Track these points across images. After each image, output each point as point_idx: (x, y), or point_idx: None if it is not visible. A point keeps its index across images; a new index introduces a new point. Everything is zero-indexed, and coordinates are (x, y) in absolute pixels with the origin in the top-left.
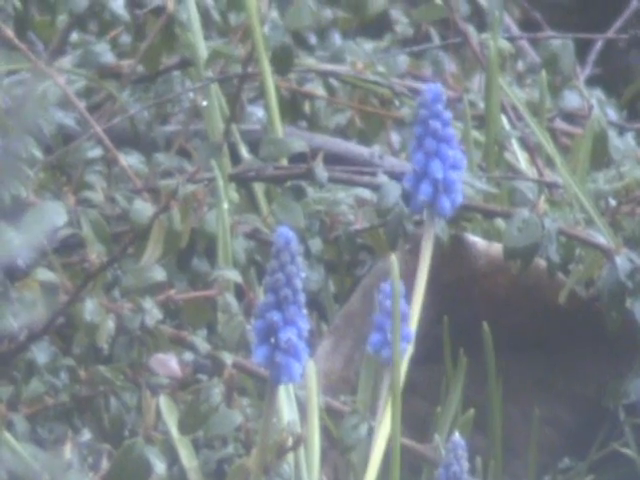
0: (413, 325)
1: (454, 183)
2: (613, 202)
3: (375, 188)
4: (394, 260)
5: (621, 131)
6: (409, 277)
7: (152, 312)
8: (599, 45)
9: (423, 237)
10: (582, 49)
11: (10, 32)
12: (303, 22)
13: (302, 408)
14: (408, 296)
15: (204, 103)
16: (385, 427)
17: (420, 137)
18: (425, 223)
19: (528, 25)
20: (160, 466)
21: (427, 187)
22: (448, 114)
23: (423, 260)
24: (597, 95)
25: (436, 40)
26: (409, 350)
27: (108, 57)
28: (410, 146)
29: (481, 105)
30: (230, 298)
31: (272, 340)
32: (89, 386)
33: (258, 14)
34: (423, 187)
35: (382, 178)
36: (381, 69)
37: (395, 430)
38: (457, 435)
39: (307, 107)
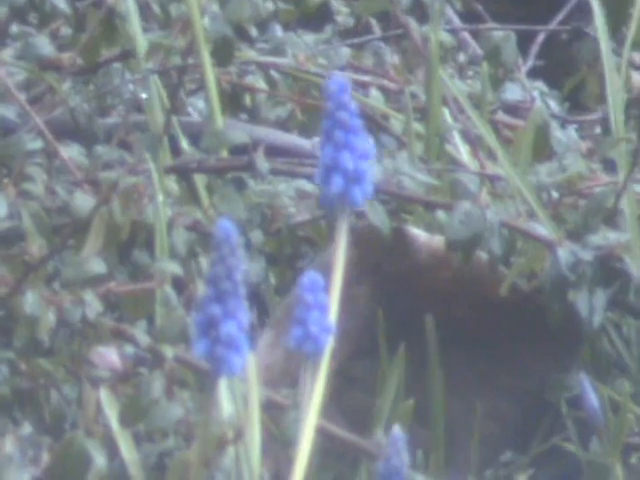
0: (332, 317)
1: (364, 173)
2: (555, 195)
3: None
4: None
5: (563, 123)
6: (350, 269)
7: (93, 305)
8: (541, 37)
9: (336, 230)
10: (524, 41)
11: None
12: (244, 14)
13: (243, 401)
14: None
15: (144, 95)
16: (312, 419)
17: (328, 130)
18: (337, 215)
19: (470, 17)
20: (100, 459)
21: (338, 179)
22: (354, 105)
23: (338, 251)
24: (539, 87)
25: (377, 32)
26: (330, 342)
27: (48, 49)
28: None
29: (423, 97)
30: (170, 291)
31: (212, 333)
32: (30, 379)
33: (198, 5)
34: (334, 179)
35: None
36: (322, 61)
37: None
38: (397, 428)
39: (248, 99)
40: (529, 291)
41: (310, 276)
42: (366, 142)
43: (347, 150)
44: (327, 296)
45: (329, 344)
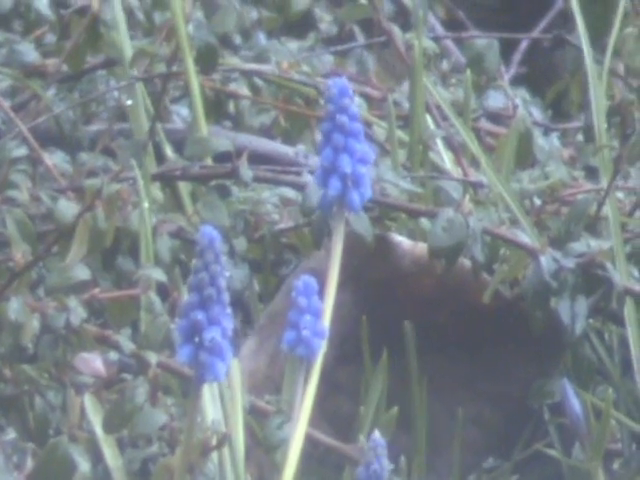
0: (326, 321)
1: (363, 177)
2: (538, 202)
3: (300, 187)
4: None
5: (546, 131)
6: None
7: (77, 311)
8: (524, 45)
9: (333, 233)
10: (507, 49)
11: None
12: (228, 25)
13: (226, 407)
14: (324, 293)
15: (129, 102)
16: (302, 425)
17: (328, 132)
18: (335, 218)
19: (453, 25)
20: (85, 465)
21: (336, 182)
22: (355, 109)
23: (334, 256)
24: (522, 95)
25: (360, 39)
26: (323, 346)
27: (33, 56)
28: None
29: (406, 105)
30: (154, 297)
31: (196, 339)
32: (14, 385)
33: (182, 13)
34: (332, 182)
35: (307, 177)
36: (306, 68)
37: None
38: (377, 434)
39: (232, 107)
40: (512, 298)
41: (304, 280)
42: (365, 146)
43: (346, 153)
44: (320, 300)
45: (321, 348)
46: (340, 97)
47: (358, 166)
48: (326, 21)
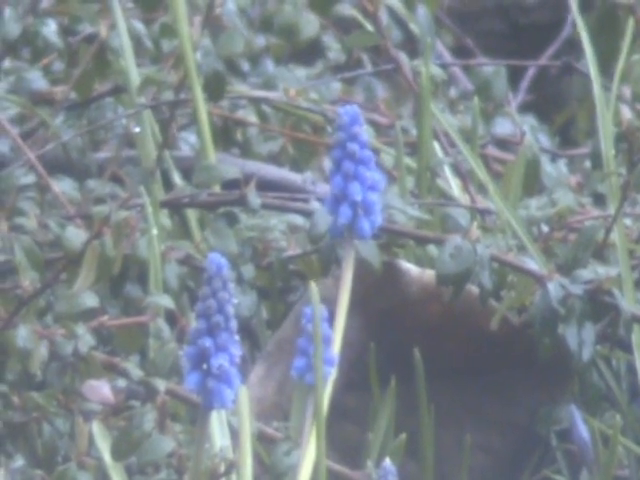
0: (336, 349)
1: (373, 205)
2: (545, 228)
3: (308, 214)
4: (314, 286)
5: (553, 158)
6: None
7: (85, 338)
8: (531, 72)
9: (343, 260)
10: (514, 76)
11: None
12: (235, 48)
13: (234, 434)
14: (333, 321)
15: (137, 129)
16: (311, 452)
17: (338, 160)
18: (345, 246)
19: (460, 52)
20: None
21: (346, 210)
22: (365, 136)
23: (344, 283)
24: (529, 122)
25: (368, 66)
26: (333, 374)
27: (41, 84)
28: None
29: (413, 132)
30: (162, 324)
31: (204, 366)
32: (22, 412)
33: (190, 41)
34: (342, 210)
35: (314, 204)
36: (313, 96)
37: (320, 455)
38: (388, 461)
39: (239, 134)
40: (519, 324)
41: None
42: (376, 174)
43: (356, 181)
44: (330, 328)
45: (331, 376)
46: (351, 125)
47: (368, 194)
48: (334, 48)
